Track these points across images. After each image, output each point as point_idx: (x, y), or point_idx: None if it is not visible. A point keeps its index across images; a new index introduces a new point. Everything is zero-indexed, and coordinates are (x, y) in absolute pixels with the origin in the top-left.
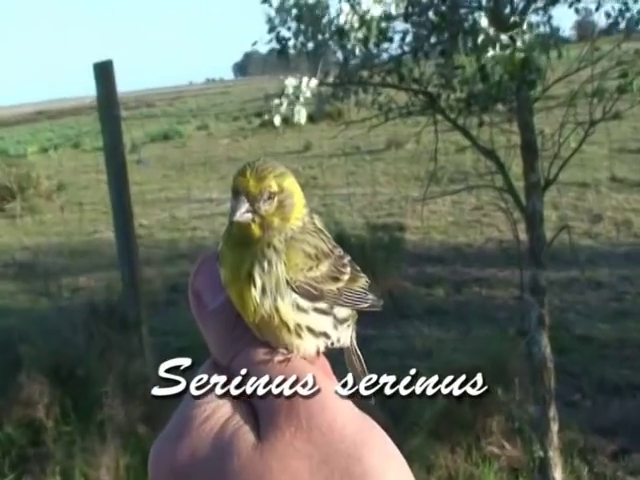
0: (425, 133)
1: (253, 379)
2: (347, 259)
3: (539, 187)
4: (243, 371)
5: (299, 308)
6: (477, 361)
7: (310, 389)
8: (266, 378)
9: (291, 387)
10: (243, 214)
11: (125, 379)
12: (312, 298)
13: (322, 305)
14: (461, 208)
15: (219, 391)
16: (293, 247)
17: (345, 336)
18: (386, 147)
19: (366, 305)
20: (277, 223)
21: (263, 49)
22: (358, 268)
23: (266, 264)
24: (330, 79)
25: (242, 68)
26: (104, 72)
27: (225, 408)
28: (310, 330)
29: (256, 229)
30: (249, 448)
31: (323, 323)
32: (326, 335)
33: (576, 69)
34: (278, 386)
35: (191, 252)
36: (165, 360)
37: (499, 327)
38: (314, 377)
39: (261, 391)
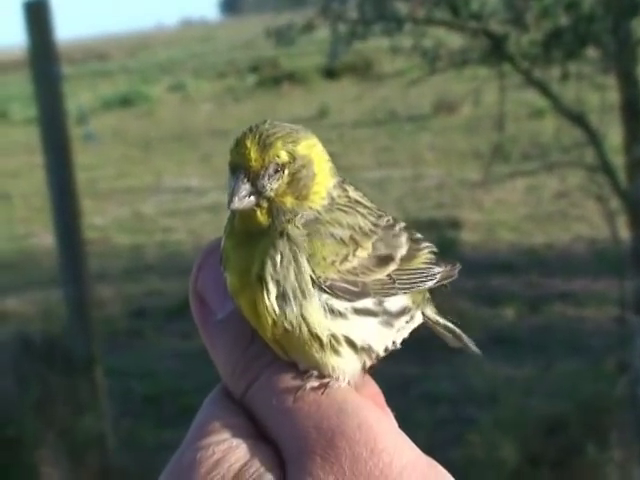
0: (487, 91)
1: (276, 413)
2: (400, 227)
3: None
4: (262, 404)
5: (334, 312)
6: (560, 407)
7: (356, 426)
8: (295, 413)
9: (328, 423)
10: (243, 198)
11: (71, 439)
12: (352, 296)
13: (366, 303)
14: (538, 196)
15: (232, 427)
16: (318, 233)
17: (405, 332)
18: (433, 112)
19: (432, 282)
20: (291, 203)
21: None
22: (418, 236)
23: (281, 260)
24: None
25: (231, 4)
26: (37, 13)
27: (240, 450)
28: (350, 343)
29: (263, 216)
30: None
31: (368, 329)
32: (371, 347)
33: None
34: (311, 422)
35: (162, 263)
36: (127, 411)
37: (591, 360)
38: (359, 408)
39: (288, 428)
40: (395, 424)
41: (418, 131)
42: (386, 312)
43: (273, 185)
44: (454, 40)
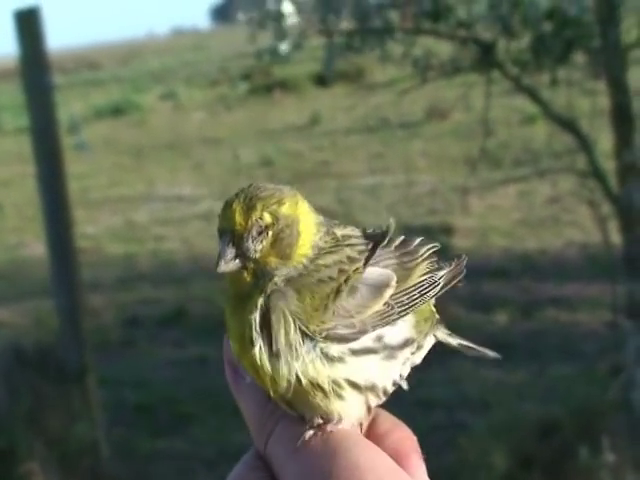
0: (477, 97)
1: (284, 462)
2: (397, 243)
3: (637, 169)
4: (276, 455)
5: (331, 359)
6: (553, 412)
7: (343, 467)
8: (298, 459)
9: (322, 465)
10: (229, 262)
11: (64, 449)
12: (349, 338)
13: (365, 341)
14: (531, 201)
15: None
16: (305, 287)
17: (412, 362)
18: (425, 118)
19: (436, 290)
20: (275, 263)
21: None
22: (415, 244)
23: (266, 321)
24: (345, 25)
25: (222, 12)
26: (28, 22)
27: None
28: (352, 385)
29: (250, 278)
30: None
31: (370, 367)
32: (376, 384)
33: None
34: (309, 464)
35: (154, 272)
36: (120, 420)
37: (584, 365)
38: (352, 448)
39: (292, 474)
40: (418, 467)
41: (410, 138)
42: (387, 347)
43: (257, 247)
44: (444, 48)
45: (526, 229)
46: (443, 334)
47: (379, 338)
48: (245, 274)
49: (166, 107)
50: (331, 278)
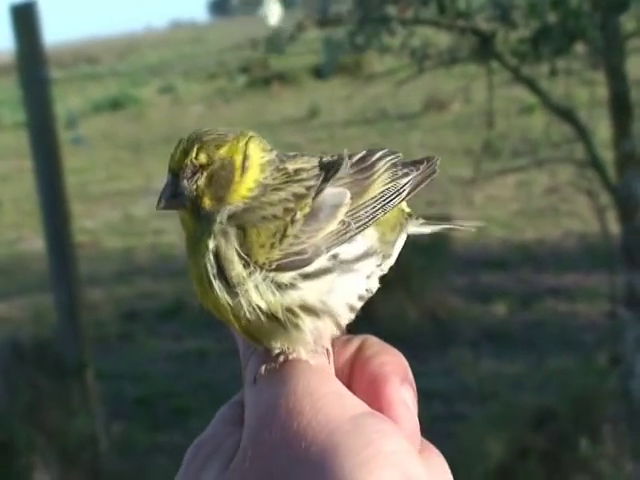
0: (476, 88)
1: (246, 394)
2: (344, 166)
3: (636, 159)
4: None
5: (281, 287)
6: (552, 402)
7: (282, 395)
8: (252, 391)
9: (263, 397)
10: (167, 199)
11: (63, 443)
12: (302, 265)
13: (318, 263)
14: (529, 191)
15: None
16: (249, 223)
17: (379, 273)
18: (424, 109)
19: (400, 198)
20: (209, 205)
21: None
22: (374, 158)
23: (217, 258)
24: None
25: (220, 5)
26: (24, 17)
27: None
28: (307, 310)
29: (192, 219)
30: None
31: (326, 289)
32: (334, 306)
33: None
34: (254, 397)
35: (153, 265)
36: (119, 414)
37: (583, 355)
38: (290, 378)
39: (247, 406)
40: (396, 393)
41: (408, 129)
42: (343, 263)
43: (192, 187)
44: (442, 39)
45: (525, 219)
46: (415, 228)
47: (334, 256)
48: (187, 216)
49: (164, 101)
50: (275, 216)
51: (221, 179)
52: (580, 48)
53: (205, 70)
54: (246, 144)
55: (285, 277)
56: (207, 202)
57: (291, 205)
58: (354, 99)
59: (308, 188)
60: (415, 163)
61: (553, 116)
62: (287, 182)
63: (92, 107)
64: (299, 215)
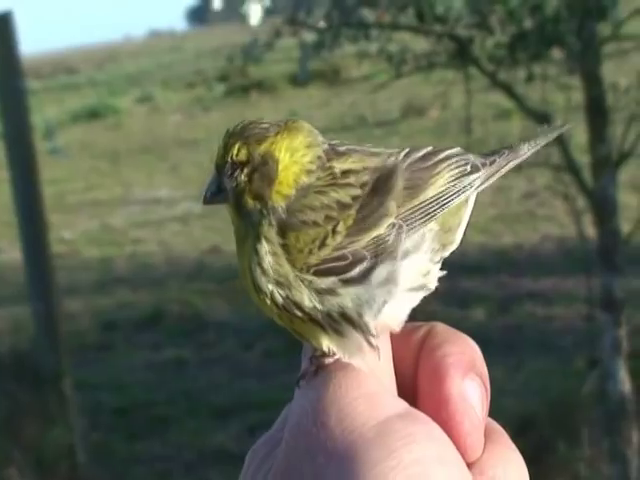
0: (455, 94)
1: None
2: (403, 158)
3: (611, 163)
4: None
5: (320, 292)
6: (531, 406)
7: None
8: (295, 396)
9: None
10: (210, 195)
11: (41, 454)
12: (341, 271)
13: (360, 268)
14: (507, 196)
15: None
16: (289, 227)
17: (438, 265)
18: (402, 115)
19: (466, 193)
20: (252, 204)
21: None
22: (441, 156)
23: (261, 262)
24: (320, 24)
25: (198, 14)
26: (0, 28)
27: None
28: (345, 317)
29: (236, 217)
30: None
31: (365, 297)
32: (366, 316)
33: None
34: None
35: (133, 275)
36: (97, 424)
37: (561, 358)
38: (342, 379)
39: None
40: (455, 388)
41: (387, 136)
42: (388, 279)
43: (232, 183)
44: (419, 44)
45: (503, 224)
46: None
47: (378, 260)
48: (233, 213)
49: (143, 110)
50: (315, 223)
51: (262, 177)
52: (557, 53)
53: (183, 79)
54: (290, 139)
55: (324, 282)
56: (248, 200)
57: (334, 214)
58: (332, 106)
59: (354, 198)
60: (493, 154)
61: (530, 121)
62: (332, 185)
63: (70, 117)
64: (341, 227)
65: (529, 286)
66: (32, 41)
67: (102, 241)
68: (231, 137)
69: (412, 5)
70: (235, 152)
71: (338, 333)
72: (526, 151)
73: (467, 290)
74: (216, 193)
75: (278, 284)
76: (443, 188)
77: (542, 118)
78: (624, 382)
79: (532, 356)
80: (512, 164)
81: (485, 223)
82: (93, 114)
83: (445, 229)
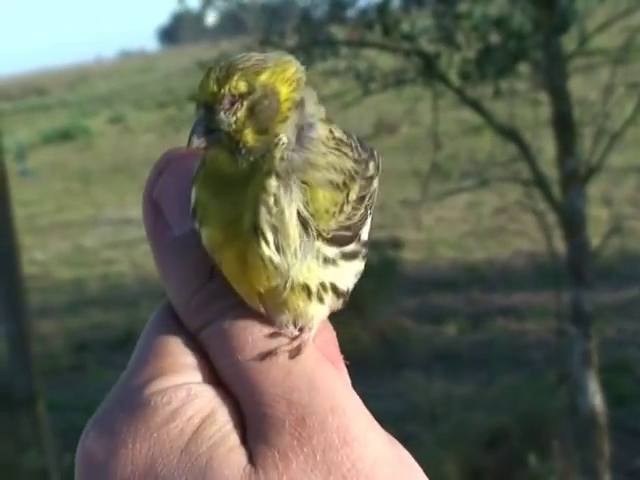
0: (425, 110)
1: (239, 369)
2: (364, 152)
3: (579, 176)
4: (221, 351)
5: (326, 261)
6: (502, 420)
7: (329, 409)
8: (261, 375)
9: (299, 397)
10: (202, 136)
11: (14, 476)
12: (344, 242)
13: (353, 245)
14: (478, 212)
15: (188, 368)
16: (317, 182)
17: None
18: (374, 133)
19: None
20: (252, 139)
21: (197, 6)
22: (368, 145)
23: (275, 205)
24: (290, 42)
25: (169, 34)
26: None
27: (200, 401)
28: (335, 289)
29: (229, 155)
30: (238, 478)
31: (351, 271)
32: (349, 290)
33: (625, 11)
34: (279, 390)
35: (104, 296)
36: (71, 446)
37: (532, 373)
38: (331, 387)
39: (251, 390)
40: (348, 380)
41: None
42: (363, 246)
43: (230, 119)
44: (387, 61)
45: (474, 240)
46: None
47: (360, 239)
48: (224, 154)
49: (114, 131)
50: (338, 186)
51: (265, 109)
52: (524, 68)
53: (155, 99)
54: (284, 71)
55: (331, 252)
56: (249, 136)
57: (348, 181)
58: None
59: (356, 169)
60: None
61: (499, 136)
62: (339, 150)
63: (41, 138)
64: (353, 195)
65: (500, 301)
66: (1, 62)
67: (74, 262)
68: (224, 70)
69: (378, 22)
70: (234, 84)
71: (321, 301)
72: None
73: (438, 306)
74: (205, 134)
75: (286, 244)
76: (369, 178)
77: (510, 134)
78: (594, 395)
79: (503, 371)
80: None
81: (456, 239)
82: (64, 135)
83: None
